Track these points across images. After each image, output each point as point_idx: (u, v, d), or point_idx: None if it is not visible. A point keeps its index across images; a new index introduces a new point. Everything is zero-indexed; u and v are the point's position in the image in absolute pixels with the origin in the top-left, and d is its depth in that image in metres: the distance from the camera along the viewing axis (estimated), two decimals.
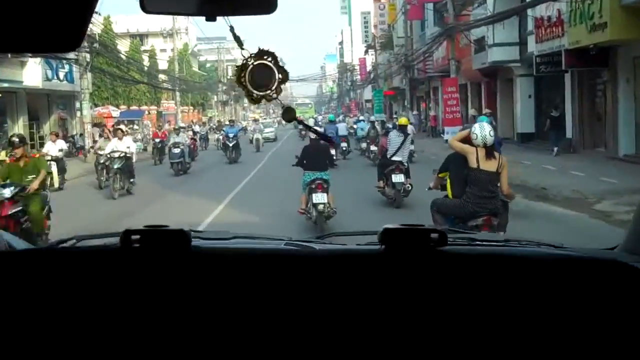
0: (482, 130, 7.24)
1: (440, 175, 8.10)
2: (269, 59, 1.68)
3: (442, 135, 35.03)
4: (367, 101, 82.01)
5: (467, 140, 7.46)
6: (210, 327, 1.62)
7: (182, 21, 66.32)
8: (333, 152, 17.96)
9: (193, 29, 73.39)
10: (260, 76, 1.68)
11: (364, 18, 65.55)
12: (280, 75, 1.68)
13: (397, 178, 13.41)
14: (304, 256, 1.80)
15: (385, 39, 54.59)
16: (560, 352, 1.55)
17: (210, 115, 70.71)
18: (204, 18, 1.52)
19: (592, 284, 1.58)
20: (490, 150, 7.25)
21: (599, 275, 1.60)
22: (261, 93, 1.68)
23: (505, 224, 7.83)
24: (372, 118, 30.18)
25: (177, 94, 50.53)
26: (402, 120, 15.15)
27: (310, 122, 33.06)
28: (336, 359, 1.60)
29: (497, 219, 7.37)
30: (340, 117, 50.17)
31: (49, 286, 1.67)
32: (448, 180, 7.77)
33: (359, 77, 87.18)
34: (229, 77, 78.99)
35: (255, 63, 1.68)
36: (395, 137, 14.02)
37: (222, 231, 2.28)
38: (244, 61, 1.68)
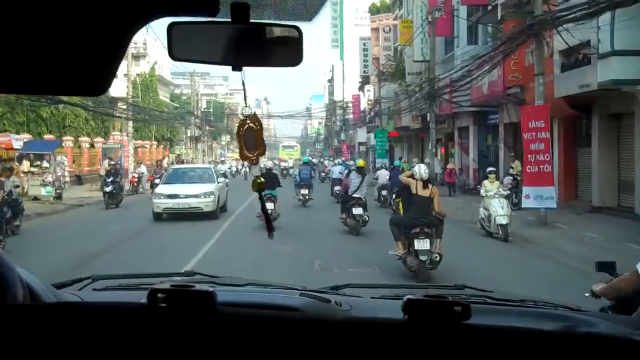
0: (420, 169, 10.86)
1: (396, 200, 14.44)
2: (258, 126, 1.90)
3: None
4: (360, 144, 71.83)
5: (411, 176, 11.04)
6: None
7: (147, 43, 56.27)
8: (306, 191, 23.99)
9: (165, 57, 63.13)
10: (249, 140, 1.89)
11: (364, 45, 55.46)
12: (261, 148, 1.92)
13: (357, 211, 16.17)
14: (329, 322, 1.82)
15: (391, 67, 44.41)
16: None
17: (178, 153, 59.97)
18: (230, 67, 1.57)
19: None
20: (425, 183, 10.68)
21: (613, 353, 1.62)
22: (248, 154, 1.92)
23: (441, 233, 10.46)
24: (351, 163, 27.20)
25: (130, 124, 39.78)
26: (360, 163, 18.36)
27: (291, 163, 36.14)
28: None
29: (430, 229, 10.35)
30: (330, 161, 48.72)
31: (73, 342, 1.65)
32: (400, 204, 12.22)
33: (351, 116, 77.34)
34: (203, 110, 68.44)
35: (249, 124, 1.89)
36: (354, 178, 17.00)
37: (235, 277, 2.43)
38: (245, 118, 1.89)
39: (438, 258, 10.27)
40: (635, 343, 1.67)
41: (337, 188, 25.41)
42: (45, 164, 24.34)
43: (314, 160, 58.91)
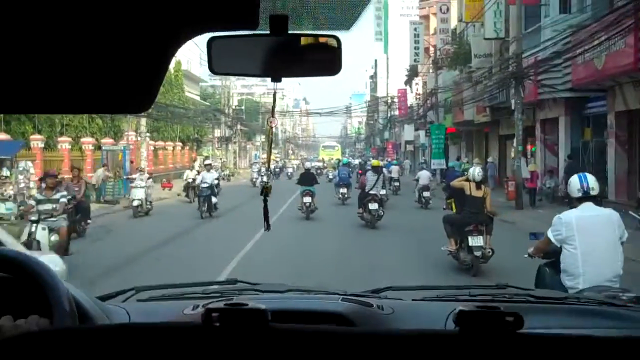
0: (474, 171, 11.55)
1: (447, 201, 13.74)
2: (271, 135, 3.41)
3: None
4: (407, 142, 65.10)
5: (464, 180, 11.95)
6: None
7: None
8: (345, 190, 25.30)
9: (196, 50, 57.17)
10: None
11: (415, 30, 48.56)
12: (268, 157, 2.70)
13: (373, 206, 17.83)
14: (379, 335, 1.79)
15: (450, 52, 37.64)
16: None
17: (206, 154, 54.00)
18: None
19: None
20: (478, 184, 11.34)
21: None
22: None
23: (491, 230, 11.28)
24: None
25: (143, 122, 33.88)
26: (375, 163, 20.92)
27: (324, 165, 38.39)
28: None
29: (483, 226, 11.09)
30: (372, 160, 39.92)
31: None
32: (453, 204, 12.66)
33: (396, 112, 70.67)
34: (235, 107, 62.27)
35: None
36: (371, 176, 18.87)
37: (276, 284, 2.46)
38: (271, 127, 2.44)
39: (490, 253, 11.09)
40: None
41: (382, 192, 25.67)
42: (5, 172, 18.22)
43: (355, 161, 53.61)
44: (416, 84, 61.26)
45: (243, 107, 63.58)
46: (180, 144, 51.13)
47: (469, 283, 8.90)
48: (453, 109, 36.67)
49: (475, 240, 10.84)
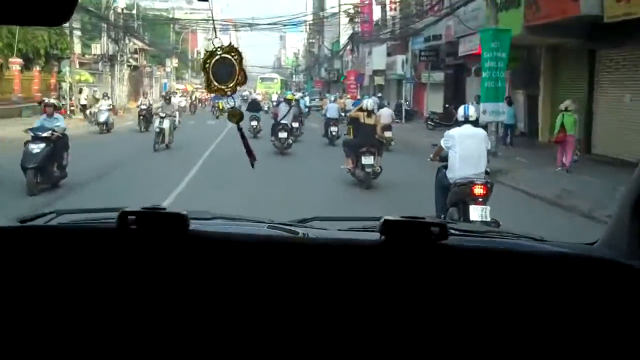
0: (367, 102, 14.13)
1: (348, 126, 15.52)
2: (235, 56, 1.86)
3: None
4: (376, 73, 45.77)
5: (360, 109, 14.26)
6: (205, 312, 1.61)
7: None
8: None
9: None
10: (223, 71, 1.87)
11: None
12: (239, 77, 1.88)
13: (282, 135, 19.70)
14: (304, 244, 1.78)
15: None
16: (545, 347, 1.56)
17: (68, 80, 33.34)
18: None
19: (577, 281, 1.59)
20: (369, 113, 13.60)
21: (584, 271, 1.62)
22: (220, 86, 1.88)
23: (382, 152, 13.63)
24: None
25: None
26: (289, 97, 23.10)
27: (274, 98, 32.22)
28: (329, 352, 1.56)
29: (374, 148, 13.07)
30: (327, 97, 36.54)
31: (41, 266, 1.61)
32: (351, 131, 14.50)
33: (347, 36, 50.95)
34: (122, 10, 40.93)
35: (222, 55, 1.86)
36: (283, 108, 20.78)
37: (201, 211, 2.33)
38: (214, 49, 1.87)
39: (379, 170, 13.24)
40: (600, 260, 1.67)
41: (332, 129, 23.86)
42: None
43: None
44: None
45: (134, 12, 42.12)
46: (21, 61, 30.67)
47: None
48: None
49: (367, 160, 12.91)
